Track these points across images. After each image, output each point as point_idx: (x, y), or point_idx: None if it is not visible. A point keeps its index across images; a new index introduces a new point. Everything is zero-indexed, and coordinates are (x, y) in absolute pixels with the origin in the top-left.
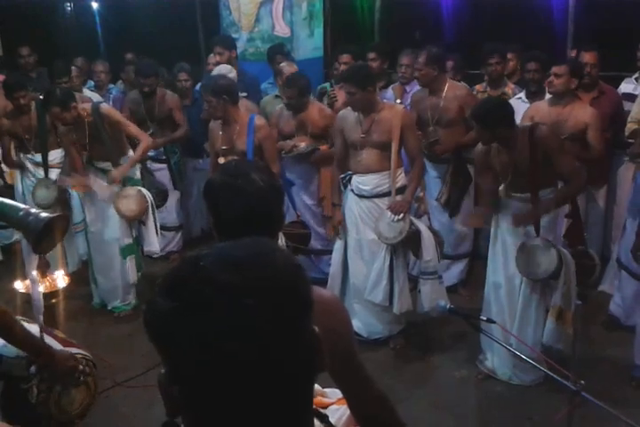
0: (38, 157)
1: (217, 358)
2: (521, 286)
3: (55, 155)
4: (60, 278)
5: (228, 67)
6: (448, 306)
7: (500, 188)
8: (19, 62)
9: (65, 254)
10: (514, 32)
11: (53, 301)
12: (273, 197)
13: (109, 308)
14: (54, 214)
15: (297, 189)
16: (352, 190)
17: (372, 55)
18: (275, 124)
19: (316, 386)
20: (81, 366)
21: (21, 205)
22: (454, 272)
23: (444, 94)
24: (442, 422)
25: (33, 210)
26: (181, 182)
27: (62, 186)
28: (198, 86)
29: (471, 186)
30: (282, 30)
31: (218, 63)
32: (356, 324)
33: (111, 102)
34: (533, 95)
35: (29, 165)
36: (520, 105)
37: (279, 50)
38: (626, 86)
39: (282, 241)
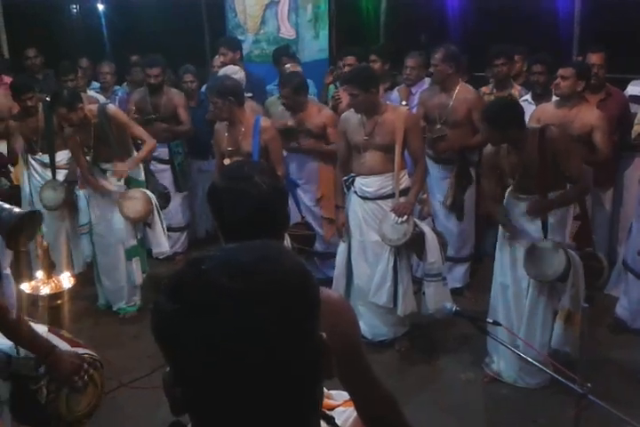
0: (46, 158)
1: (223, 361)
2: (528, 289)
3: (62, 156)
4: (66, 280)
5: (236, 67)
6: (454, 308)
7: (509, 189)
8: (25, 64)
9: (71, 256)
10: (519, 34)
11: (59, 302)
12: (276, 200)
13: (114, 309)
14: (27, 210)
15: (298, 190)
16: (355, 192)
17: (372, 57)
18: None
19: (323, 388)
20: (86, 366)
21: None
22: (457, 275)
23: (454, 94)
24: (447, 424)
25: (6, 205)
26: (185, 184)
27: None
28: (204, 88)
29: (472, 188)
30: (287, 32)
31: (223, 64)
32: (361, 326)
33: (117, 104)
34: (539, 97)
35: (37, 166)
36: (526, 107)
37: (285, 52)
38: (633, 88)
39: (287, 243)
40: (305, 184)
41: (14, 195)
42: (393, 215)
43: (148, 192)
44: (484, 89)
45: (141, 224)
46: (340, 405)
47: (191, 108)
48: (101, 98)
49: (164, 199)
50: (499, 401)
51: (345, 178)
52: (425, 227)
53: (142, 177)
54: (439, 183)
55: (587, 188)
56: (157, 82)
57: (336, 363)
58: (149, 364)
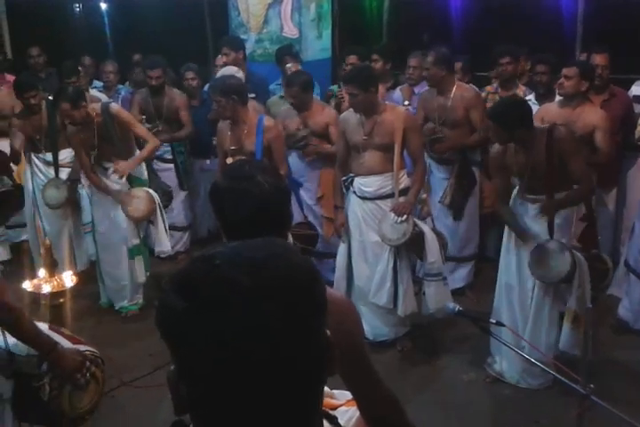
0: (49, 157)
1: (232, 357)
2: (534, 289)
3: (65, 154)
4: (68, 278)
5: (234, 68)
6: (457, 308)
7: (515, 190)
8: (28, 63)
9: (74, 254)
10: (522, 34)
11: (61, 300)
12: (279, 199)
13: (116, 308)
14: (4, 189)
15: (300, 189)
16: (354, 192)
17: (374, 57)
18: (282, 125)
19: (325, 388)
20: (87, 363)
21: None
22: (460, 275)
23: (451, 95)
24: (449, 424)
25: None
26: (188, 182)
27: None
28: (207, 87)
29: (476, 189)
30: (290, 31)
31: (225, 64)
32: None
33: (120, 102)
34: (543, 97)
35: (40, 165)
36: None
37: (288, 51)
38: (636, 89)
39: (290, 242)
40: (306, 182)
41: (17, 193)
42: (392, 215)
43: (151, 191)
44: (488, 88)
45: (144, 223)
46: (342, 404)
47: (193, 108)
48: (104, 97)
49: (167, 197)
50: (501, 402)
51: (344, 178)
52: (425, 227)
53: (145, 176)
54: (442, 183)
55: (591, 188)
56: (158, 83)
57: (339, 362)
58: (151, 362)
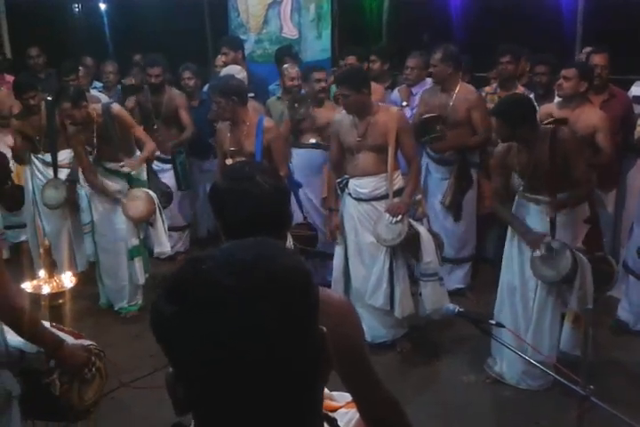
0: (48, 157)
1: (226, 359)
2: (536, 290)
3: (65, 155)
4: (67, 279)
5: (238, 67)
6: (457, 309)
7: (519, 190)
8: (28, 63)
9: (74, 255)
10: (522, 34)
11: (60, 301)
12: (278, 200)
13: (116, 309)
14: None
15: (304, 189)
16: (349, 194)
17: (372, 57)
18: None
19: (325, 389)
20: (93, 358)
21: None
22: (458, 276)
23: (454, 95)
24: (449, 426)
25: None
26: (186, 183)
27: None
28: (206, 87)
29: (473, 190)
30: (290, 32)
31: (224, 64)
32: None
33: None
34: (542, 98)
35: (39, 165)
36: None
37: (287, 51)
38: (636, 89)
39: (290, 243)
40: (311, 179)
41: (17, 194)
42: (387, 215)
43: (151, 192)
44: (487, 89)
45: (144, 224)
46: (342, 406)
47: (193, 108)
48: (105, 97)
49: (167, 198)
50: (501, 403)
51: (339, 180)
52: (420, 227)
53: (144, 177)
54: (440, 184)
55: (591, 190)
56: (158, 81)
57: (339, 364)
58: (151, 363)
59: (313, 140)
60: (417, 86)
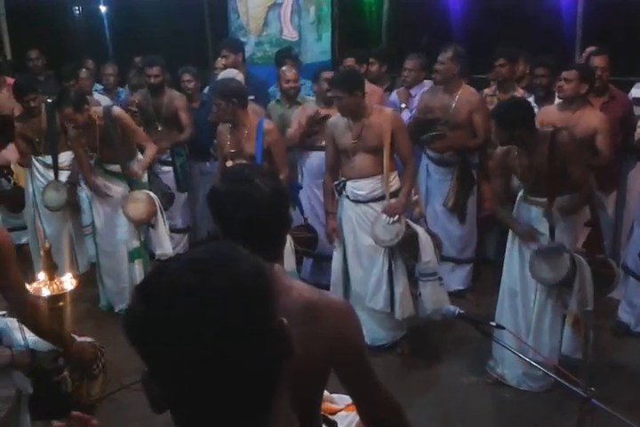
0: (48, 159)
1: (188, 356)
2: (536, 293)
3: (65, 157)
4: (68, 281)
5: (234, 71)
6: (457, 311)
7: (520, 193)
8: (27, 65)
9: (75, 256)
10: (521, 36)
11: (61, 303)
12: (278, 202)
13: (116, 310)
14: None
15: (314, 191)
16: (347, 196)
17: (371, 60)
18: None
19: (325, 392)
20: (99, 354)
21: None
22: (459, 277)
23: (457, 96)
24: None
25: None
26: (186, 185)
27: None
28: (206, 90)
29: (474, 191)
30: (290, 34)
31: (225, 66)
32: None
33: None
34: (542, 100)
35: (40, 167)
36: None
37: (287, 54)
38: (636, 91)
39: (291, 245)
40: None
41: (17, 195)
42: (384, 216)
43: (152, 194)
44: (486, 91)
45: (144, 226)
46: (342, 409)
47: (193, 110)
48: (107, 100)
49: (168, 199)
50: (501, 405)
51: (336, 183)
52: (418, 227)
53: (146, 178)
54: (440, 185)
55: (590, 194)
56: (157, 82)
57: (338, 366)
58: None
59: (324, 143)
60: (415, 88)
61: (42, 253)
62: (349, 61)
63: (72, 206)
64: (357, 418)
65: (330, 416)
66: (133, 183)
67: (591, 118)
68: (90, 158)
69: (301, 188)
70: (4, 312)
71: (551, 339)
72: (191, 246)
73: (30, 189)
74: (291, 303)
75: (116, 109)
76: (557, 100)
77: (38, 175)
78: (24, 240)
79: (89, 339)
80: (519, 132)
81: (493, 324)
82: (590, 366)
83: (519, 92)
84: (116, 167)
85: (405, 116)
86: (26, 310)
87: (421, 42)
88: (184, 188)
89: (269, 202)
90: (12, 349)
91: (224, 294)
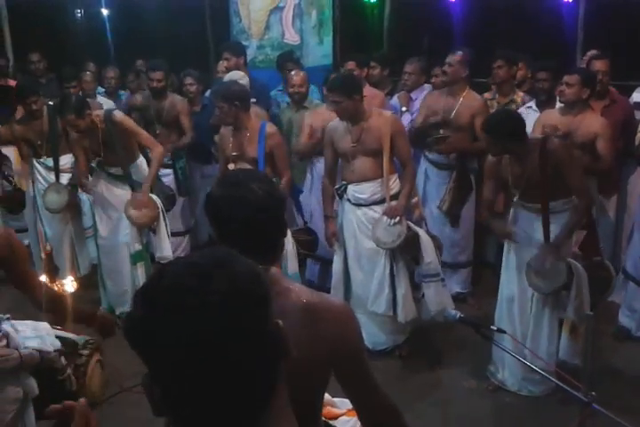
0: (50, 162)
1: (190, 358)
2: (533, 299)
3: (66, 159)
4: (69, 284)
5: (240, 73)
6: (458, 315)
7: (515, 199)
8: (29, 68)
9: (76, 259)
10: (523, 39)
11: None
12: (274, 205)
13: (117, 313)
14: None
15: (317, 191)
16: (348, 200)
17: (372, 64)
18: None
19: (326, 396)
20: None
21: None
22: (457, 281)
23: (461, 99)
24: None
25: None
26: (187, 188)
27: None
28: (208, 93)
29: (472, 195)
30: (291, 38)
31: (226, 69)
32: None
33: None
34: (544, 104)
35: (41, 170)
36: (531, 114)
37: (289, 57)
38: (637, 95)
39: (292, 247)
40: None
41: (17, 197)
42: (385, 218)
43: (154, 197)
44: (486, 95)
45: (146, 229)
46: (343, 413)
47: (195, 113)
48: (110, 103)
49: (170, 201)
50: (502, 409)
51: (337, 186)
52: (419, 229)
53: None
54: (438, 189)
55: (590, 201)
56: (160, 86)
57: (338, 368)
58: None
59: None
60: (416, 92)
61: (43, 256)
62: (350, 65)
63: (73, 209)
64: (359, 424)
65: (331, 422)
66: (136, 187)
67: (592, 123)
68: (92, 161)
69: (302, 192)
70: (8, 315)
71: (549, 344)
72: (192, 250)
73: (31, 192)
74: (290, 306)
75: (117, 114)
76: (559, 105)
77: (39, 178)
78: (25, 243)
79: (87, 337)
80: (510, 143)
81: (494, 328)
82: (591, 370)
83: (519, 96)
84: (118, 170)
85: (406, 119)
86: (46, 304)
87: (422, 46)
88: (184, 191)
89: (265, 205)
90: (19, 350)
91: (222, 296)
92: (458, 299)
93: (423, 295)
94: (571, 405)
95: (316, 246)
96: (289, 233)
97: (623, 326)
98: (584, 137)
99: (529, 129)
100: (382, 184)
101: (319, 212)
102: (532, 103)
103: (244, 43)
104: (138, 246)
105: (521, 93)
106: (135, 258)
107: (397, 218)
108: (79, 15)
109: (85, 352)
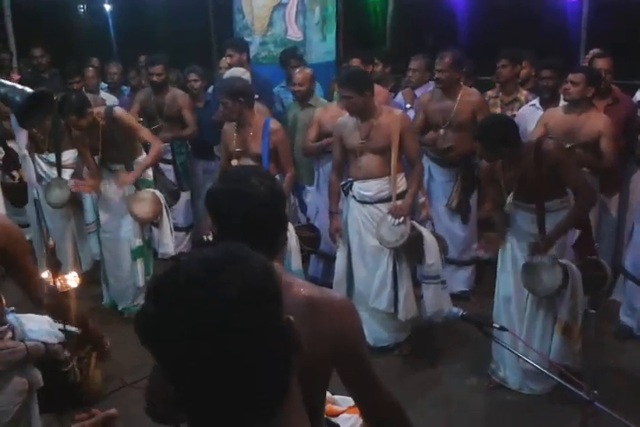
0: (52, 157)
1: (204, 354)
2: (527, 300)
3: (68, 155)
4: (72, 279)
5: (242, 69)
6: (460, 313)
7: (508, 201)
8: (32, 63)
9: (77, 254)
10: (526, 38)
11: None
12: (274, 200)
13: (120, 308)
14: (38, 89)
15: (325, 190)
16: (354, 197)
17: (375, 61)
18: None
19: (327, 393)
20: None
21: (7, 82)
22: (461, 278)
23: (458, 98)
24: None
25: (19, 86)
26: (188, 183)
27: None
28: (211, 89)
29: (475, 193)
30: (294, 34)
31: (229, 66)
32: None
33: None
34: (547, 102)
35: (43, 165)
36: (534, 112)
37: (292, 54)
38: None
39: (296, 244)
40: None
41: (21, 189)
42: (390, 217)
43: (157, 192)
44: (489, 93)
45: (148, 225)
46: (344, 411)
47: (198, 109)
48: (113, 98)
49: (173, 197)
50: (503, 406)
51: (343, 183)
52: (423, 229)
53: (151, 177)
54: (443, 186)
55: (592, 198)
56: (160, 80)
57: (339, 364)
58: (154, 363)
59: None
60: (420, 88)
61: (46, 250)
62: (355, 62)
63: (75, 204)
64: (360, 421)
65: (332, 419)
66: (139, 182)
67: (596, 121)
68: (94, 158)
69: (304, 188)
70: (12, 308)
71: (541, 345)
72: (194, 245)
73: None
74: (291, 301)
75: (118, 110)
76: (562, 103)
77: (42, 173)
78: (27, 238)
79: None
80: (504, 149)
81: (497, 326)
82: (593, 369)
83: (523, 94)
84: (120, 166)
85: (411, 116)
86: (45, 300)
87: (426, 43)
88: (185, 186)
89: (266, 201)
90: (25, 342)
91: (236, 292)
92: (461, 297)
93: (422, 296)
94: (572, 403)
95: (319, 243)
96: (293, 229)
97: (625, 325)
98: (588, 136)
99: (531, 127)
100: (388, 182)
101: (325, 209)
102: (536, 101)
103: (247, 39)
104: (139, 242)
105: (524, 92)
106: (135, 254)
107: (402, 218)
108: (82, 11)
109: (88, 345)
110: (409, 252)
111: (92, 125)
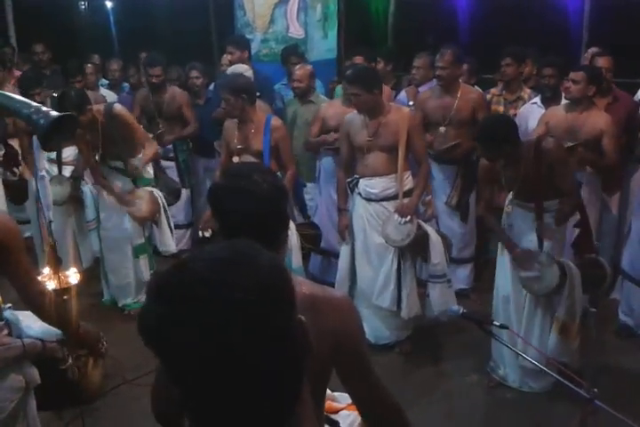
0: (52, 154)
1: (212, 354)
2: (526, 298)
3: (69, 152)
4: (73, 276)
5: (244, 66)
6: (461, 311)
7: (509, 198)
8: (33, 59)
9: (78, 251)
10: (528, 36)
11: (65, 297)
12: (277, 197)
13: (120, 305)
14: (63, 113)
15: (327, 187)
16: (359, 194)
17: (377, 59)
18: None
19: (327, 390)
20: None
21: (33, 103)
22: (461, 276)
23: (458, 95)
24: None
25: (43, 108)
26: (189, 180)
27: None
28: (212, 86)
29: (474, 191)
30: (296, 31)
31: (230, 63)
32: (365, 329)
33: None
34: (549, 100)
35: (44, 162)
36: (535, 110)
37: (293, 51)
38: None
39: (297, 241)
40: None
41: (22, 186)
42: (396, 216)
43: (155, 191)
44: (492, 91)
45: (149, 222)
46: (344, 408)
47: (199, 106)
48: (113, 95)
49: (175, 195)
50: (503, 406)
51: (349, 180)
52: (429, 228)
53: (151, 174)
54: (443, 184)
55: (577, 202)
56: (159, 81)
57: (339, 362)
58: (154, 361)
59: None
60: (424, 86)
61: (46, 247)
62: (358, 59)
63: (75, 201)
64: (360, 418)
65: (332, 416)
66: (138, 180)
67: (598, 120)
68: (94, 155)
69: (305, 186)
70: (10, 305)
71: (539, 343)
72: (194, 243)
73: (34, 184)
74: None
75: (117, 107)
76: (564, 101)
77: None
78: (28, 234)
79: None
80: (504, 149)
81: (496, 323)
82: (593, 367)
83: (526, 92)
84: (119, 164)
85: None
86: (37, 300)
87: (428, 41)
88: (187, 183)
89: (267, 197)
90: (21, 339)
91: (246, 291)
92: (460, 295)
93: (428, 295)
94: (572, 401)
95: (320, 241)
96: (294, 227)
97: (625, 323)
98: (589, 134)
99: (533, 125)
100: (395, 180)
101: (324, 206)
102: (537, 99)
103: (249, 36)
104: (140, 240)
105: (528, 90)
106: (138, 251)
107: (408, 217)
108: (83, 7)
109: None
110: (414, 250)
111: (92, 122)
